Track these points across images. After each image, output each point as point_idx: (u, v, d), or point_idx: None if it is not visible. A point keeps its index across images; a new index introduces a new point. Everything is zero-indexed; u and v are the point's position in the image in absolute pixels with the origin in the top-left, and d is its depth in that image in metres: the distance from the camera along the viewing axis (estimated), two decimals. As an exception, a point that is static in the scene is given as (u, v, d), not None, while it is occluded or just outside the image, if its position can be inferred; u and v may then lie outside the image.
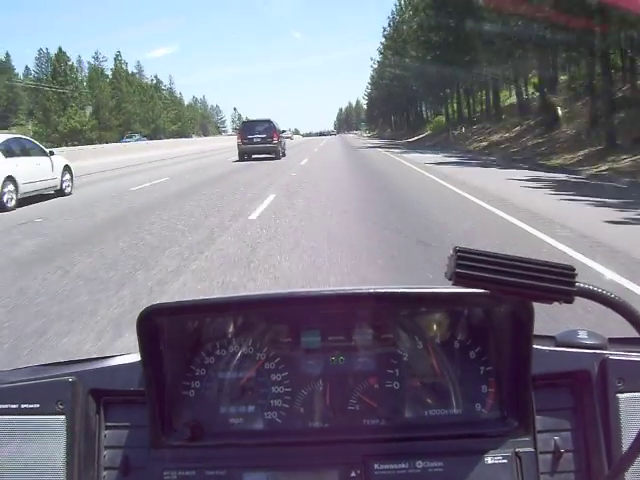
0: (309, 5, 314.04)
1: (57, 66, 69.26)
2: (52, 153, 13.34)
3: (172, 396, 0.94)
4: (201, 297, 0.93)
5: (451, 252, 0.61)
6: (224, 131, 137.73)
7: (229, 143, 44.04)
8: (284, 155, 26.68)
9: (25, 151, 12.37)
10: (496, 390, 0.94)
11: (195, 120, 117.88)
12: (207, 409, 0.96)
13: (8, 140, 12.06)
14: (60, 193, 13.32)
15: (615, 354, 0.96)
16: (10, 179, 11.18)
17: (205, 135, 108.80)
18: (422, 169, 17.51)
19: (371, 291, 0.88)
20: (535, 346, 0.92)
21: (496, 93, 35.67)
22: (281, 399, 0.96)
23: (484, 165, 19.38)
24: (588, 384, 0.94)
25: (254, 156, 25.08)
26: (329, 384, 0.96)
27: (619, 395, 0.91)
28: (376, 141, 59.69)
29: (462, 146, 32.08)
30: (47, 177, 12.76)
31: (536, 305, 0.78)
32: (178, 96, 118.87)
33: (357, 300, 0.91)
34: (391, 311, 0.98)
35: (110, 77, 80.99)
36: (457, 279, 0.59)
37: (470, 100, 45.51)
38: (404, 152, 29.94)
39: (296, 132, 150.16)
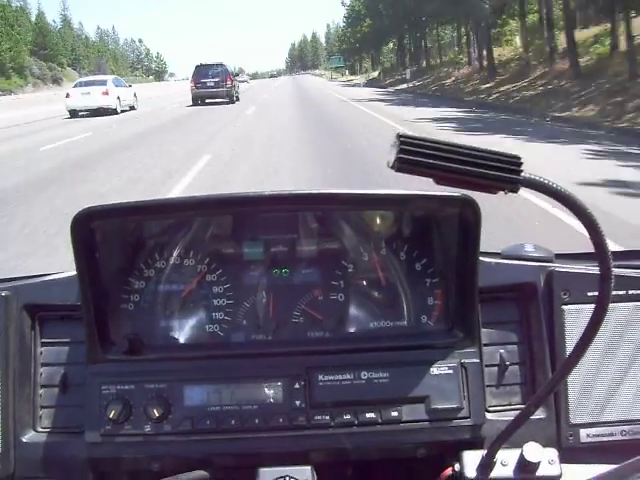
0: None
1: None
2: (130, 85, 25.56)
3: (110, 309, 0.92)
4: (140, 199, 0.90)
5: (393, 139, 0.57)
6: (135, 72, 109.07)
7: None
8: (238, 100, 25.68)
9: (120, 84, 24.28)
10: (442, 302, 0.96)
11: (88, 58, 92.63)
12: (147, 322, 0.95)
13: (114, 78, 24.41)
14: (132, 108, 24.92)
15: (561, 267, 0.98)
16: (118, 98, 23.02)
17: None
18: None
19: (312, 192, 0.86)
20: (482, 259, 0.92)
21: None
22: (223, 312, 0.96)
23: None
24: (534, 296, 0.97)
25: (207, 101, 24.32)
26: (272, 296, 0.97)
27: (564, 307, 0.95)
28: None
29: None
30: (129, 99, 24.65)
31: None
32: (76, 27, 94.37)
33: (297, 201, 0.90)
34: (334, 213, 0.98)
35: None
36: (399, 165, 0.57)
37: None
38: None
39: (239, 73, 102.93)
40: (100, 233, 0.87)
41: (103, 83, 22.64)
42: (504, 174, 0.58)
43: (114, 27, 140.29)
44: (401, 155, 0.57)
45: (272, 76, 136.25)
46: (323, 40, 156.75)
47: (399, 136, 0.58)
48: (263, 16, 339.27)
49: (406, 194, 0.86)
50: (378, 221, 0.98)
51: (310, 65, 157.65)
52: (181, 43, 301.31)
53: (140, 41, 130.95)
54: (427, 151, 0.58)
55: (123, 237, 0.96)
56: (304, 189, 0.87)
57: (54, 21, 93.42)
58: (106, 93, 21.92)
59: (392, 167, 0.59)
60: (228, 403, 0.89)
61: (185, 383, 0.89)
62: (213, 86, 24.09)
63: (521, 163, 0.59)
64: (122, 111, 22.95)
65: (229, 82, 24.38)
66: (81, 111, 21.93)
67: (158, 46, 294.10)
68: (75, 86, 22.90)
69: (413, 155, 0.57)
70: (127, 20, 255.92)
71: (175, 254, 0.97)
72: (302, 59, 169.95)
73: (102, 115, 21.24)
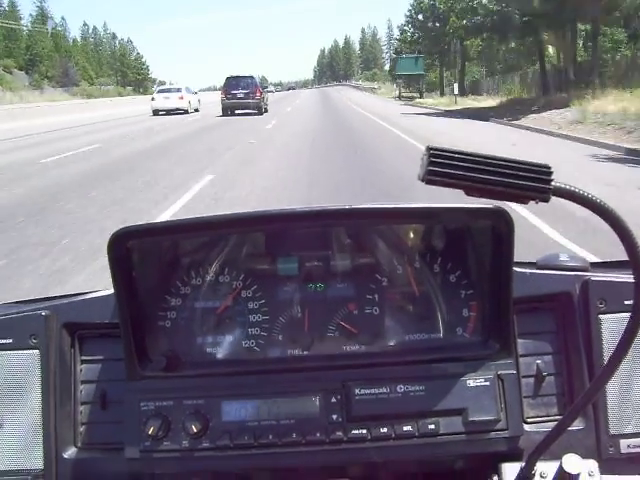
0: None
1: None
2: (196, 93, 29.92)
3: (147, 327, 0.92)
4: (174, 218, 0.90)
5: (424, 151, 0.56)
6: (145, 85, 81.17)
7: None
8: (266, 111, 25.85)
9: (189, 91, 28.15)
10: (477, 314, 0.93)
11: (51, 59, 67.47)
12: (184, 339, 0.95)
13: (186, 87, 28.42)
14: (197, 110, 28.66)
15: (597, 275, 0.95)
16: (189, 102, 26.96)
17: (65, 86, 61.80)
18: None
19: (345, 207, 0.85)
20: (517, 269, 0.90)
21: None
22: (259, 327, 0.95)
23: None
24: (570, 306, 0.94)
25: (237, 112, 24.38)
26: (308, 311, 0.95)
27: (601, 316, 0.92)
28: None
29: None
30: (195, 103, 28.57)
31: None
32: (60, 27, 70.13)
33: (328, 217, 0.88)
34: (368, 227, 0.96)
35: None
36: (429, 178, 0.57)
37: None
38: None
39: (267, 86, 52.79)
40: (136, 252, 0.88)
41: (179, 90, 27.70)
42: (535, 184, 0.58)
43: (106, 24, 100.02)
44: (431, 167, 0.57)
45: (290, 88, 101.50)
46: (357, 47, 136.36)
47: (429, 149, 0.58)
48: (289, 21, 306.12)
49: (437, 207, 0.86)
50: (411, 235, 0.97)
51: (342, 75, 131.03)
52: (195, 51, 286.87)
53: (114, 37, 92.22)
54: (457, 162, 0.58)
55: (159, 256, 0.96)
56: (335, 205, 0.86)
57: (31, 15, 70.78)
58: (181, 98, 26.76)
59: (422, 180, 0.58)
60: (265, 418, 0.89)
61: (222, 399, 0.90)
62: (243, 97, 24.64)
63: (551, 172, 0.58)
64: (190, 112, 27.45)
65: (258, 94, 24.81)
66: (161, 111, 26.45)
67: (163, 53, 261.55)
68: (158, 92, 28.52)
69: (443, 167, 0.57)
70: (133, 21, 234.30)
71: (211, 271, 0.97)
72: (333, 68, 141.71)
73: (176, 114, 25.60)
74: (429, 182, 0.58)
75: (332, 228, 0.97)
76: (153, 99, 28.61)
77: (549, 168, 0.58)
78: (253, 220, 0.89)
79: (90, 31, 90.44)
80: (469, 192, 0.60)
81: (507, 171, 0.58)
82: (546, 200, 0.59)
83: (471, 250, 0.94)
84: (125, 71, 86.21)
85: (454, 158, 0.58)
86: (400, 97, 40.66)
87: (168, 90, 29.57)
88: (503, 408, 0.89)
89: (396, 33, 69.80)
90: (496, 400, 0.89)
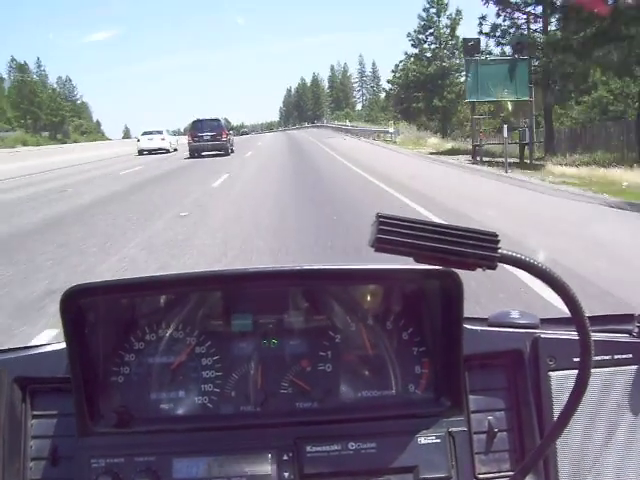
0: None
1: None
2: (175, 134, 34.78)
3: (99, 382, 0.90)
4: (128, 277, 0.88)
5: (374, 219, 0.58)
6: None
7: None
8: (232, 152, 26.11)
9: (170, 134, 32.55)
10: (429, 371, 0.93)
11: None
12: (137, 395, 0.93)
13: (166, 130, 32.52)
14: (175, 150, 32.29)
15: (546, 333, 0.96)
16: (170, 143, 31.06)
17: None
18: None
19: (297, 268, 0.86)
20: (468, 326, 0.91)
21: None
22: (212, 383, 0.94)
23: None
24: (521, 363, 0.94)
25: (204, 153, 24.10)
26: (261, 367, 0.94)
27: (551, 373, 0.93)
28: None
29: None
30: (174, 143, 32.61)
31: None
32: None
33: (284, 277, 0.90)
34: (322, 287, 0.96)
35: None
36: (378, 245, 0.58)
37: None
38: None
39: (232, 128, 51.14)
40: (89, 310, 0.86)
41: (160, 133, 31.74)
42: (482, 252, 0.59)
43: (39, 60, 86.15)
44: (380, 235, 0.58)
45: (243, 133, 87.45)
46: (326, 85, 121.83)
47: (378, 216, 0.59)
48: (251, 62, 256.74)
49: (388, 268, 0.86)
50: (365, 294, 0.96)
51: (311, 116, 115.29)
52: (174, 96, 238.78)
53: (21, 69, 72.28)
54: (406, 231, 0.59)
55: (113, 312, 0.93)
56: (287, 266, 0.88)
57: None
58: (163, 139, 30.83)
59: (372, 246, 0.59)
60: (217, 476, 0.86)
61: (174, 456, 0.87)
62: (210, 139, 24.98)
63: (498, 240, 0.59)
64: (171, 151, 31.36)
65: (224, 136, 25.40)
66: (145, 151, 30.36)
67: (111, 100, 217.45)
68: (142, 134, 32.58)
69: (392, 235, 0.59)
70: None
71: (164, 327, 0.95)
72: (300, 108, 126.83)
73: (158, 154, 29.39)
74: (378, 249, 0.59)
75: (286, 287, 0.96)
76: (139, 140, 33.19)
77: (496, 236, 0.59)
78: (205, 280, 0.90)
79: (12, 65, 73.73)
80: (418, 259, 0.60)
81: (455, 239, 0.59)
82: (492, 268, 0.59)
83: (423, 308, 0.94)
84: (36, 112, 68.27)
85: (403, 226, 0.59)
86: (476, 156, 18.11)
87: (150, 132, 33.88)
88: (454, 465, 0.89)
89: (408, 47, 45.12)
90: (447, 457, 0.89)
